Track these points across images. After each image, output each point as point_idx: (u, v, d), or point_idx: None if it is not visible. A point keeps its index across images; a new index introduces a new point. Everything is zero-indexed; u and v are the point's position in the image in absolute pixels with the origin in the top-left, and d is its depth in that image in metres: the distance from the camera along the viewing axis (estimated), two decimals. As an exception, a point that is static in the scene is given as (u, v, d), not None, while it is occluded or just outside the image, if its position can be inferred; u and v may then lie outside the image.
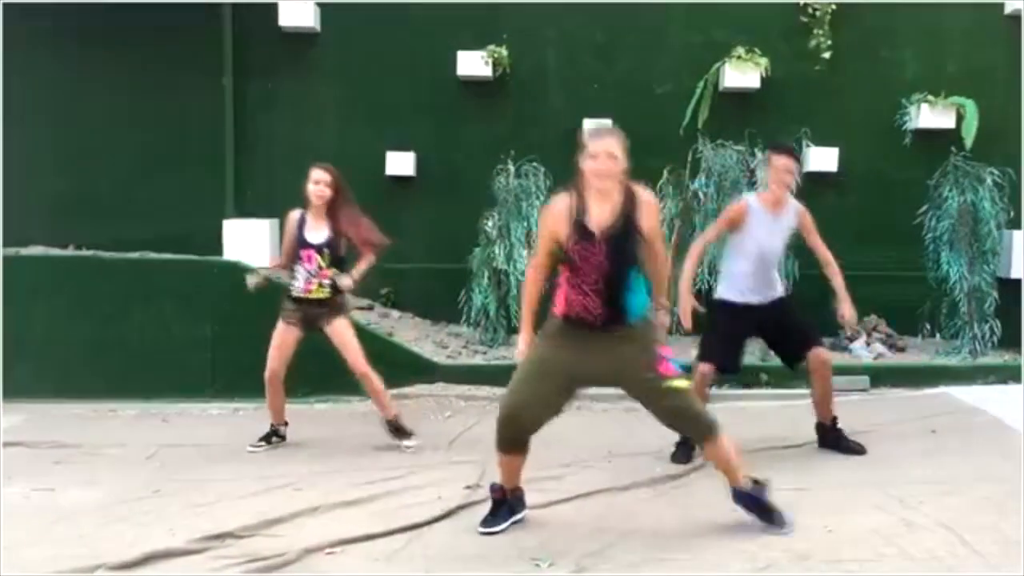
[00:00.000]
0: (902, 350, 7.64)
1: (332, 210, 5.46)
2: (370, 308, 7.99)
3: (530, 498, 4.42)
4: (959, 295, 7.46)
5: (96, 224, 7.90)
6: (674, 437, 5.33)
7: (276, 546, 3.87)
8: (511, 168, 7.61)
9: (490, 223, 7.50)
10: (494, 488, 4.18)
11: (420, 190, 8.12)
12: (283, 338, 5.48)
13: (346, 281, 5.46)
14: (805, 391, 6.80)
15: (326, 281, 5.44)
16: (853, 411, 6.35)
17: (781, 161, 5.05)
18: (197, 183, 8.13)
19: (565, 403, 4.02)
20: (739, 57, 7.85)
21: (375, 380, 5.53)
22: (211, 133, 8.18)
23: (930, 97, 7.82)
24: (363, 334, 7.10)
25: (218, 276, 7.03)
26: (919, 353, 7.58)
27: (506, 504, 4.15)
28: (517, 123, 8.10)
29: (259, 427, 5.74)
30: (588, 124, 3.45)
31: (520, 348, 4.06)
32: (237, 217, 7.98)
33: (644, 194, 3.88)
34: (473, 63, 7.97)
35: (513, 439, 4.00)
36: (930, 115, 7.81)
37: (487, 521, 4.11)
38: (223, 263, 7.26)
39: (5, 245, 7.40)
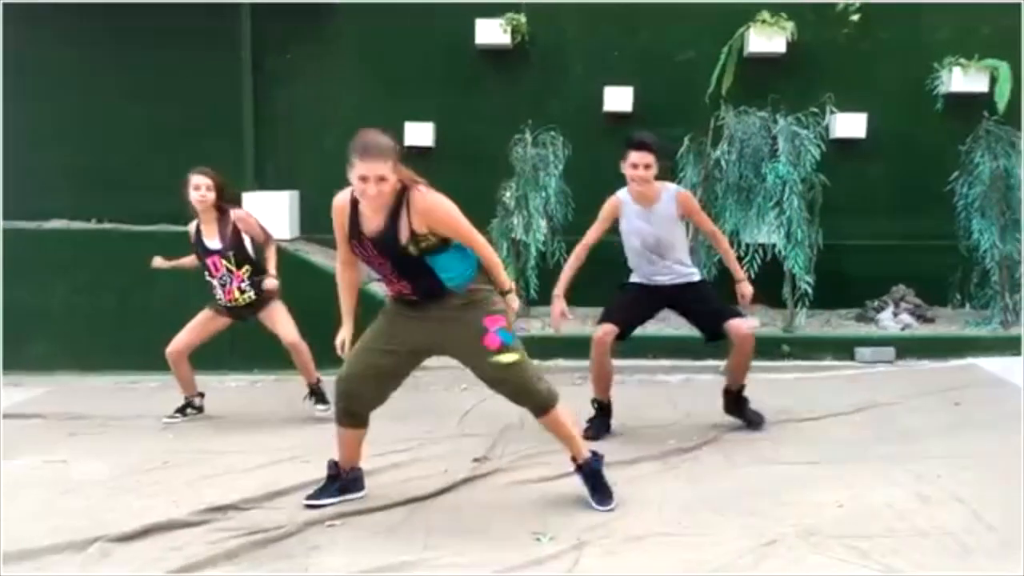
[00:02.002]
0: (931, 321, 7.46)
1: (221, 211, 5.43)
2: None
3: (536, 471, 4.38)
4: (990, 264, 7.25)
5: (116, 197, 7.93)
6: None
7: (277, 518, 3.85)
8: (529, 138, 7.50)
9: (508, 194, 7.41)
10: (330, 464, 4.12)
11: (438, 160, 8.02)
12: (205, 325, 5.55)
13: (272, 283, 5.45)
14: (827, 363, 6.79)
15: (244, 284, 5.45)
16: (876, 383, 6.26)
17: (631, 156, 4.90)
18: (217, 156, 7.99)
19: (403, 375, 3.98)
20: (764, 21, 7.65)
21: (304, 351, 5.53)
22: (230, 106, 8.16)
23: (962, 60, 7.57)
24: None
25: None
26: (948, 324, 7.39)
27: (338, 480, 4.09)
28: (536, 92, 7.98)
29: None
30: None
31: (339, 340, 4.00)
32: (257, 190, 7.96)
33: (419, 198, 3.64)
34: (492, 31, 7.85)
35: (351, 412, 3.97)
36: (962, 79, 7.56)
37: (313, 495, 4.05)
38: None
39: (26, 219, 7.46)
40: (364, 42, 8.13)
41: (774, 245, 7.17)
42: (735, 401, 5.26)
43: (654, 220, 5.05)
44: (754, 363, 6.70)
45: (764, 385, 5.52)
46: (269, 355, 6.41)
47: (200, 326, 5.52)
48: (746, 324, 5.15)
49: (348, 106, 8.11)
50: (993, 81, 7.50)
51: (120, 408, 5.96)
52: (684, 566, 3.38)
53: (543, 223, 7.39)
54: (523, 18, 7.84)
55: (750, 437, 5.09)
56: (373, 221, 3.68)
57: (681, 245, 5.19)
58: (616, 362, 6.56)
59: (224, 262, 5.40)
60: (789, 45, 7.65)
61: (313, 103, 8.18)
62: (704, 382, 6.33)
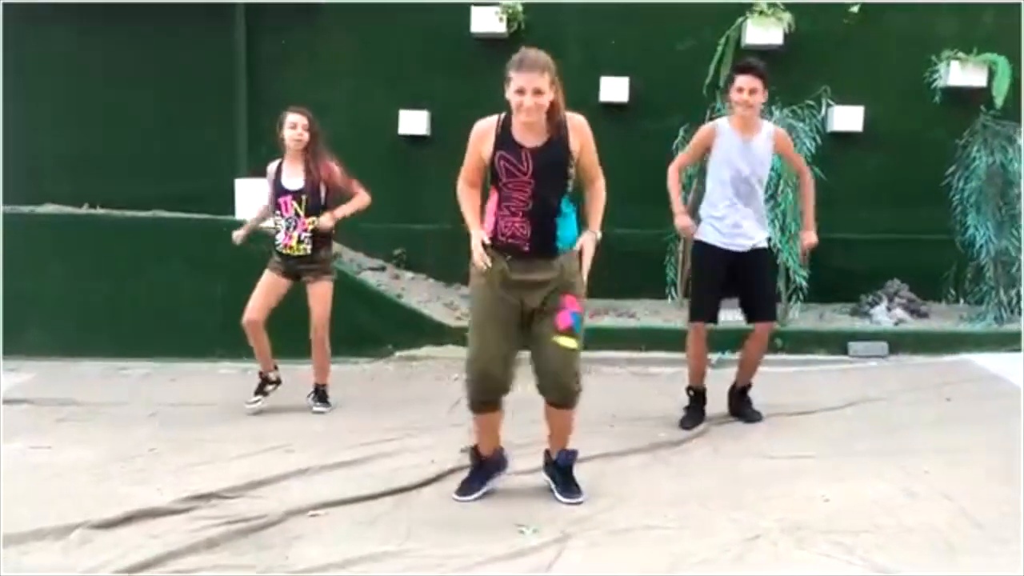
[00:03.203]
0: (925, 316, 7.43)
1: (309, 155, 5.34)
2: (382, 269, 7.93)
3: (523, 463, 4.36)
4: (985, 259, 7.23)
5: (109, 183, 7.87)
6: (682, 402, 5.25)
7: (260, 507, 3.83)
8: (524, 127, 7.44)
9: (502, 183, 7.36)
10: (471, 454, 4.08)
11: (434, 149, 7.98)
12: (268, 285, 5.42)
13: (326, 222, 5.34)
14: (820, 357, 6.75)
15: (305, 234, 5.33)
16: (869, 378, 6.24)
17: (738, 80, 4.84)
18: (210, 142, 8.08)
19: (519, 345, 3.87)
20: (761, 12, 7.60)
21: (325, 349, 5.50)
22: (224, 92, 8.10)
23: (961, 54, 7.52)
24: (371, 295, 7.10)
25: (229, 236, 6.98)
26: (942, 319, 7.36)
27: (482, 469, 4.05)
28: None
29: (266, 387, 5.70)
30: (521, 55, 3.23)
31: (475, 243, 3.79)
32: (250, 176, 7.91)
33: (577, 120, 3.75)
34: (488, 19, 7.80)
35: (488, 395, 3.87)
36: (960, 73, 7.52)
37: (462, 488, 4.02)
38: (235, 222, 7.20)
39: (19, 203, 7.42)
40: (360, 28, 8.07)
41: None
42: (739, 398, 5.27)
43: (750, 154, 4.92)
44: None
45: (756, 379, 5.48)
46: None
47: (268, 289, 5.41)
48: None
49: (343, 93, 8.06)
50: (991, 75, 7.46)
51: (109, 394, 5.92)
52: (668, 559, 3.37)
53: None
54: (519, 7, 7.78)
55: (740, 431, 5.08)
56: (529, 138, 3.66)
57: (763, 189, 5.12)
58: (609, 354, 6.62)
59: (295, 204, 5.32)
60: (786, 37, 7.60)
61: (307, 89, 8.06)
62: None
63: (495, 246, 3.76)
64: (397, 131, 7.98)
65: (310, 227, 5.33)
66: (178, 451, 4.71)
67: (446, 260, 7.99)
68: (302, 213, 5.32)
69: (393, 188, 8.03)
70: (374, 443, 4.76)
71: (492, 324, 3.78)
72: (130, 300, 6.99)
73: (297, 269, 5.41)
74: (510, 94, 3.60)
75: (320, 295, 5.42)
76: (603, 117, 7.75)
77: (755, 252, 5.04)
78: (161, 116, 8.10)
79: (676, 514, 3.80)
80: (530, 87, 3.54)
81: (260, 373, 5.59)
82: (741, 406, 5.26)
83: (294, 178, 5.36)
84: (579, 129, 3.75)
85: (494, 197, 3.77)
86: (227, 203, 7.63)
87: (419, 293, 7.64)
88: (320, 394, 5.60)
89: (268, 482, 4.16)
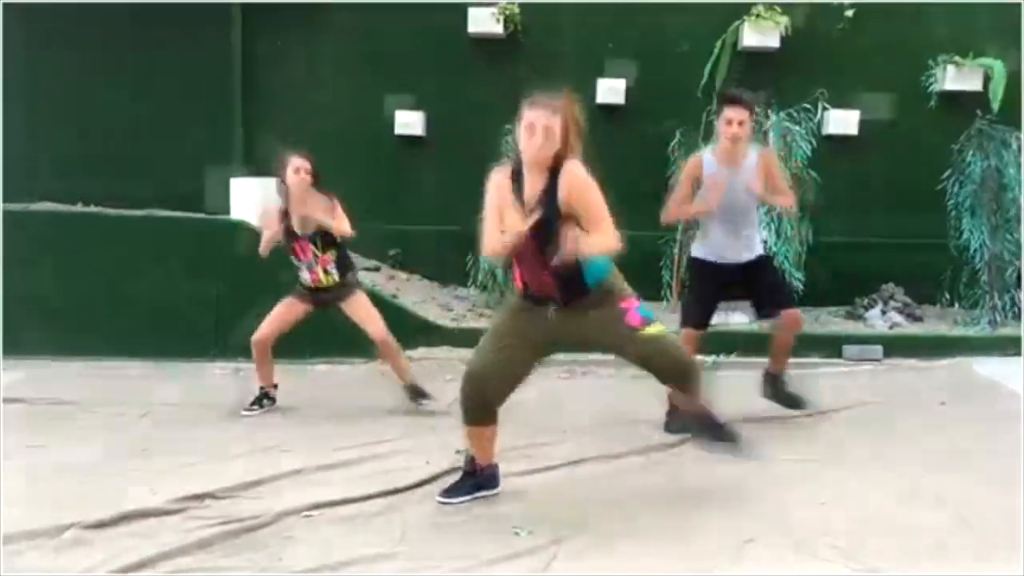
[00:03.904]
0: (919, 320, 7.43)
1: (313, 196, 5.31)
2: (377, 270, 7.92)
3: (518, 465, 4.35)
4: (980, 264, 7.24)
5: (104, 181, 7.84)
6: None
7: (253, 508, 3.82)
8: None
9: (498, 185, 7.36)
10: (467, 459, 4.05)
11: (429, 150, 7.99)
12: (288, 309, 5.41)
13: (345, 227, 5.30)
14: (814, 361, 6.74)
15: (330, 268, 5.34)
16: (863, 382, 6.24)
17: (726, 111, 4.79)
18: (206, 140, 8.06)
19: (531, 369, 3.88)
20: (759, 16, 7.60)
21: (394, 349, 5.47)
22: (220, 90, 8.09)
23: (957, 58, 7.53)
24: (367, 296, 7.07)
25: (225, 235, 6.98)
26: (937, 323, 7.36)
27: (474, 478, 4.02)
28: (529, 82, 7.85)
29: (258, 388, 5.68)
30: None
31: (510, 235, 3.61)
32: (245, 175, 7.90)
33: (569, 167, 3.58)
34: (484, 20, 7.80)
35: (481, 409, 3.84)
36: (956, 77, 7.53)
37: (449, 491, 3.99)
38: (230, 222, 7.20)
39: (14, 201, 7.38)
40: (356, 28, 8.06)
41: (764, 241, 7.12)
42: (775, 384, 5.26)
43: (736, 188, 4.88)
44: (740, 360, 6.75)
45: (750, 382, 5.48)
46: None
47: (282, 314, 5.41)
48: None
49: (339, 93, 8.06)
50: (987, 80, 7.47)
51: (102, 394, 5.89)
52: (662, 563, 3.36)
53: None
54: (516, 7, 7.78)
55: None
56: (531, 184, 3.61)
57: (755, 212, 5.12)
58: (603, 356, 6.58)
59: (312, 247, 5.32)
60: (783, 40, 7.61)
61: (303, 89, 8.12)
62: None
63: (526, 297, 3.77)
64: (393, 132, 7.97)
65: (332, 259, 5.32)
66: (172, 451, 4.69)
67: (441, 261, 7.99)
68: (319, 253, 5.32)
69: (388, 188, 8.04)
70: (368, 444, 4.74)
71: (508, 350, 3.76)
72: (125, 299, 6.96)
73: (325, 299, 5.42)
74: (520, 132, 3.57)
75: (361, 309, 5.40)
76: (600, 119, 7.76)
77: (754, 260, 5.07)
78: (157, 115, 8.08)
79: (670, 518, 3.79)
80: (540, 123, 3.52)
81: (261, 387, 5.58)
82: (780, 391, 5.23)
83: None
84: (568, 174, 3.58)
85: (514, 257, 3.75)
86: (223, 202, 7.61)
87: (414, 294, 7.62)
88: (414, 391, 5.54)
89: (262, 483, 4.14)
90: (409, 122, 7.96)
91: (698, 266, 5.11)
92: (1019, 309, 7.19)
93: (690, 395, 3.99)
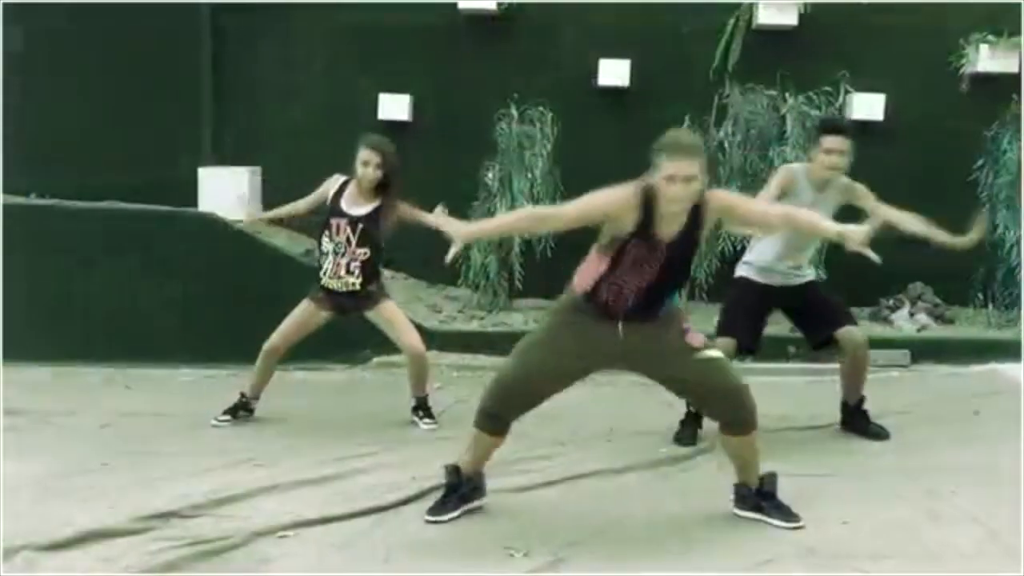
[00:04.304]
0: (950, 322, 7.46)
1: (384, 193, 5.28)
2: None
3: (515, 480, 4.35)
4: (1016, 261, 7.26)
5: (61, 171, 7.88)
6: (684, 415, 5.24)
7: (223, 528, 3.80)
8: (515, 114, 7.46)
9: (490, 174, 7.39)
10: (449, 471, 4.03)
11: (416, 137, 7.97)
12: (308, 318, 5.36)
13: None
14: (835, 367, 6.70)
15: (355, 265, 5.26)
16: (890, 389, 6.24)
17: (827, 141, 4.91)
18: (171, 127, 8.07)
19: (567, 386, 3.95)
20: (775, -10, 7.63)
21: (426, 363, 5.49)
22: (187, 73, 8.11)
23: (990, 37, 7.56)
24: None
25: (192, 230, 6.97)
26: (968, 326, 7.40)
27: (457, 492, 4.02)
28: (524, 64, 7.93)
29: (230, 396, 5.67)
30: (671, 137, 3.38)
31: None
32: (214, 165, 7.90)
33: (714, 199, 3.78)
34: (477, -4, 7.82)
35: (498, 418, 3.88)
36: (990, 57, 7.55)
37: (435, 509, 3.99)
38: (198, 215, 7.19)
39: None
40: (336, 4, 8.05)
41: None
42: (853, 415, 5.28)
43: (821, 208, 4.87)
44: (757, 365, 6.74)
45: (767, 389, 5.47)
46: (223, 347, 6.38)
47: (301, 321, 5.36)
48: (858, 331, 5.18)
49: (317, 75, 8.08)
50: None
51: (58, 403, 5.87)
52: (670, 587, 3.36)
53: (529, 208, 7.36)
54: (511, -19, 7.81)
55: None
56: (667, 229, 3.68)
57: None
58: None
59: (349, 229, 5.26)
60: (801, 17, 7.64)
61: (278, 71, 8.13)
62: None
63: (591, 304, 3.79)
64: (376, 117, 7.97)
65: (360, 258, 5.26)
66: (133, 465, 4.67)
67: (429, 258, 7.95)
68: (354, 241, 5.27)
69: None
70: (349, 458, 4.73)
71: (550, 366, 3.83)
72: (82, 299, 6.96)
73: (345, 305, 5.37)
74: (658, 181, 3.60)
75: (392, 316, 5.39)
76: (601, 103, 7.80)
77: (804, 284, 5.17)
78: (117, 99, 8.08)
79: (679, 537, 3.79)
80: (681, 174, 3.55)
81: (242, 394, 5.55)
82: (859, 423, 5.26)
83: (358, 206, 5.28)
84: (716, 205, 3.77)
85: (602, 264, 3.75)
86: (189, 194, 7.62)
87: (399, 293, 7.57)
88: (423, 407, 5.54)
89: (233, 500, 4.12)
90: (394, 106, 7.96)
91: (745, 284, 5.17)
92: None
93: (746, 442, 3.95)
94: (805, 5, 7.60)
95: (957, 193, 7.50)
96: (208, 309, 6.71)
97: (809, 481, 4.45)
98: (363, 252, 5.28)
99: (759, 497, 3.99)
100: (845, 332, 5.10)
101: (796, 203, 4.89)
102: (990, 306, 7.64)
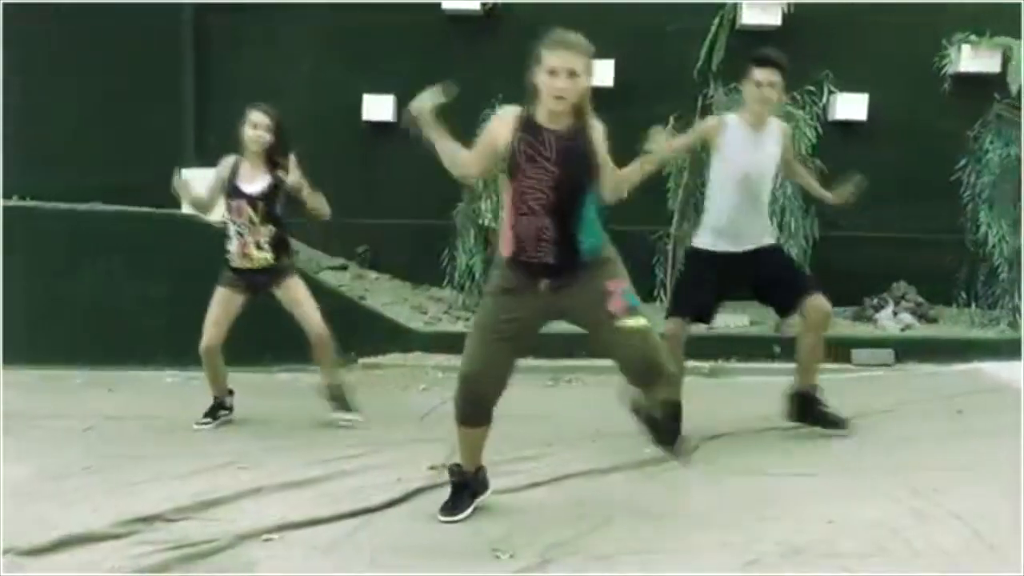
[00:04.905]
0: (933, 321, 7.51)
1: (270, 161, 5.30)
2: (344, 268, 7.90)
3: (500, 481, 4.33)
4: (999, 260, 7.31)
5: (43, 172, 7.81)
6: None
7: (208, 531, 3.79)
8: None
9: (475, 175, 7.36)
10: (453, 471, 4.06)
11: (400, 138, 7.88)
12: (225, 307, 5.37)
13: (294, 180, 5.23)
14: (824, 365, 6.73)
15: (264, 241, 5.28)
16: (874, 388, 6.29)
17: (756, 73, 4.85)
18: (154, 128, 8.03)
19: (523, 354, 3.98)
20: (758, -10, 7.66)
21: (329, 347, 5.42)
22: (170, 74, 8.07)
23: (973, 37, 7.61)
24: (331, 296, 7.06)
25: (175, 231, 6.94)
26: (952, 325, 7.45)
27: (467, 487, 4.04)
28: (509, 64, 7.81)
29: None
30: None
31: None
32: (197, 166, 7.85)
33: (598, 127, 3.79)
34: (460, -4, 7.82)
35: (478, 410, 3.90)
36: (972, 57, 7.61)
37: (448, 508, 3.99)
38: (182, 216, 7.16)
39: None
40: (318, 5, 8.05)
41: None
42: (812, 403, 5.15)
43: (762, 151, 4.90)
44: (741, 365, 6.78)
45: (752, 389, 5.53)
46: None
47: (221, 311, 5.36)
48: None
49: (302, 75, 8.06)
50: (1006, 60, 7.55)
51: (40, 406, 5.85)
52: (657, 587, 3.37)
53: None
54: (495, -18, 7.81)
55: (734, 445, 5.09)
56: (554, 123, 3.65)
57: (770, 188, 5.10)
58: (592, 362, 6.60)
59: (250, 210, 5.26)
60: (785, 17, 7.68)
61: (262, 71, 8.08)
62: (687, 384, 6.30)
63: (516, 266, 3.76)
64: (361, 117, 7.97)
65: (267, 235, 5.27)
66: (116, 469, 4.65)
67: (414, 258, 7.99)
68: (257, 220, 5.27)
69: (356, 179, 8.03)
70: (334, 460, 4.72)
71: (498, 342, 3.80)
72: (65, 301, 6.93)
73: (257, 282, 5.36)
74: (539, 76, 3.59)
75: (296, 295, 5.36)
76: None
77: (764, 248, 5.03)
78: (99, 99, 8.04)
79: (665, 537, 3.79)
80: (564, 67, 3.55)
81: (215, 396, 5.55)
82: (815, 412, 5.14)
83: (252, 182, 5.30)
84: (599, 128, 3.79)
85: (508, 199, 3.73)
86: (171, 195, 7.55)
87: (384, 295, 7.62)
88: (338, 398, 5.52)
89: (218, 503, 4.10)
90: (378, 107, 7.95)
91: (698, 255, 5.05)
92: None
93: (651, 396, 4.01)
94: (789, 5, 7.62)
95: (939, 193, 7.57)
96: (192, 310, 6.62)
97: (793, 480, 4.47)
98: (268, 228, 5.30)
99: (648, 415, 4.13)
100: (814, 300, 4.93)
101: (729, 151, 4.90)
102: (973, 305, 7.70)
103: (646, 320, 3.84)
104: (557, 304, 3.80)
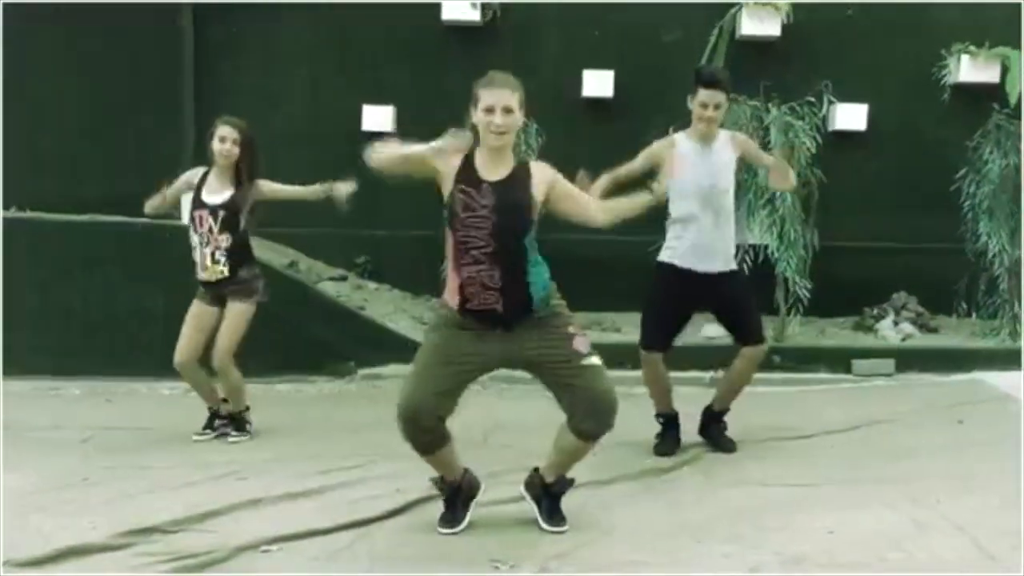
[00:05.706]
0: (934, 331, 7.51)
1: (237, 175, 5.33)
2: (343, 279, 7.91)
3: (500, 492, 4.33)
4: (999, 270, 7.32)
5: (43, 183, 7.82)
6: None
7: (207, 542, 3.78)
8: (499, 124, 7.46)
9: (474, 185, 7.37)
10: (439, 485, 4.04)
11: (399, 148, 7.97)
12: (195, 320, 5.41)
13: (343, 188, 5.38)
14: (821, 376, 6.80)
15: (220, 253, 5.29)
16: (874, 398, 6.30)
17: (701, 94, 4.88)
18: (153, 138, 8.03)
19: (468, 385, 3.92)
20: (757, 2, 7.68)
21: (233, 376, 5.41)
22: (169, 82, 8.07)
23: (972, 48, 7.63)
24: (330, 308, 7.07)
25: (173, 241, 6.93)
26: (952, 334, 7.44)
27: (459, 494, 4.03)
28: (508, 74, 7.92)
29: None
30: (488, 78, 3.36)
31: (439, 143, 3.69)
32: (197, 176, 7.87)
33: (537, 164, 3.87)
34: (460, 6, 7.84)
35: (427, 439, 3.85)
36: (971, 68, 7.63)
37: (446, 520, 3.99)
38: (179, 227, 7.15)
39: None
40: (319, 13, 8.07)
41: (766, 246, 7.19)
42: (716, 420, 5.24)
43: (710, 161, 4.94)
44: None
45: (752, 399, 5.51)
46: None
47: (195, 323, 5.40)
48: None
49: (300, 85, 8.07)
50: (1005, 71, 7.57)
51: (38, 417, 5.85)
52: (656, 598, 3.36)
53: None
54: (494, -7, 7.83)
55: (734, 457, 5.09)
56: (492, 171, 3.68)
57: (732, 203, 5.12)
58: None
59: (211, 219, 5.29)
60: (784, 28, 7.69)
61: (260, 81, 8.11)
62: (686, 395, 6.29)
63: (466, 314, 3.73)
64: (359, 127, 7.97)
65: (224, 245, 5.29)
66: (114, 480, 4.65)
67: (414, 269, 7.98)
68: (215, 229, 5.29)
69: (356, 190, 8.00)
70: (333, 471, 4.72)
71: (459, 374, 3.80)
72: (63, 312, 6.93)
73: (221, 294, 5.40)
74: (477, 116, 3.65)
75: (231, 317, 5.35)
76: (585, 114, 7.82)
77: (728, 274, 5.08)
78: (98, 109, 8.05)
79: (665, 548, 3.79)
80: (500, 105, 3.61)
81: (208, 408, 5.56)
82: (713, 431, 5.23)
83: (216, 194, 5.34)
84: (541, 170, 3.81)
85: (451, 248, 3.73)
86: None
87: (384, 305, 7.62)
88: (235, 419, 5.53)
89: (216, 514, 4.10)
90: (377, 117, 7.96)
91: (665, 274, 5.07)
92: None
93: (581, 449, 3.96)
94: (788, 15, 7.64)
95: (939, 203, 7.58)
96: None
97: (794, 490, 4.48)
98: (224, 238, 5.31)
99: (544, 491, 4.04)
100: (755, 350, 5.06)
101: (682, 166, 4.78)
102: (973, 315, 7.71)
103: (600, 361, 3.86)
104: (513, 349, 3.77)
